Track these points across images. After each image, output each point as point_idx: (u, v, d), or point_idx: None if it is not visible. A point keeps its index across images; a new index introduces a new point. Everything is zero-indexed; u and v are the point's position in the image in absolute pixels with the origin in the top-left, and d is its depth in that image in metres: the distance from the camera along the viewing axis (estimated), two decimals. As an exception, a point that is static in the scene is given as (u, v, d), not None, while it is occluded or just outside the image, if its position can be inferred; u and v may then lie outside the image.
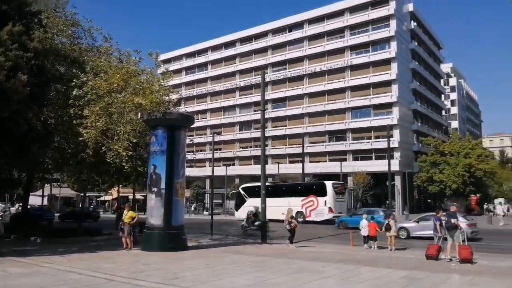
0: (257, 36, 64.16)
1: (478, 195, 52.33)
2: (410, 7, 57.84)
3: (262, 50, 63.18)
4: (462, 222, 16.97)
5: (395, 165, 45.26)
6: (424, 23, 62.75)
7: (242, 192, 39.27)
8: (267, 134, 58.14)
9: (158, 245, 14.41)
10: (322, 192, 33.10)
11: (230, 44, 67.47)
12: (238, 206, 39.11)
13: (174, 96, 21.58)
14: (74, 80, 15.27)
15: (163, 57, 73.67)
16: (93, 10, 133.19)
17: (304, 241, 18.99)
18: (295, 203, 31.68)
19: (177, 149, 15.34)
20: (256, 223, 22.71)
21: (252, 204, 37.34)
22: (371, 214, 23.02)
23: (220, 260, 12.60)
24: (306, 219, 32.85)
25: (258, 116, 31.71)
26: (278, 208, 28.82)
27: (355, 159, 51.85)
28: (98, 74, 15.64)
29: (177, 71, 72.37)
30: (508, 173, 59.85)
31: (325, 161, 53.76)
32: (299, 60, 59.03)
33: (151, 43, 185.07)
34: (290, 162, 55.81)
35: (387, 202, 37.11)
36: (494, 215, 41.85)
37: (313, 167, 52.02)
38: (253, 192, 38.31)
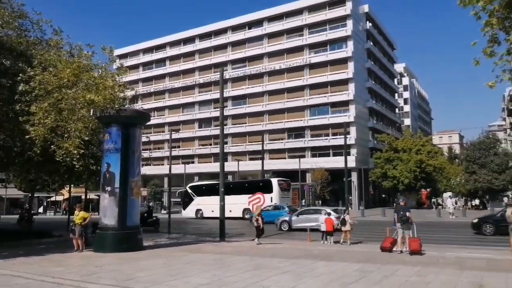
0: (217, 33, 63.73)
1: (428, 189, 55.06)
2: (366, 8, 59.65)
3: (222, 47, 62.84)
4: (333, 215, 18.69)
5: (351, 162, 46.60)
6: (378, 24, 64.94)
7: (190, 191, 39.41)
8: (227, 132, 58.01)
9: (112, 246, 13.95)
10: (268, 189, 33.93)
11: (189, 40, 66.55)
12: (185, 205, 39.16)
13: (129, 93, 20.98)
14: (20, 75, 14.41)
15: (119, 52, 71.61)
16: (45, 2, 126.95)
17: (264, 237, 19.09)
18: (242, 201, 32.07)
19: (132, 147, 14.91)
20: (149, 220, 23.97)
21: (199, 202, 37.42)
22: (277, 209, 26.81)
23: (177, 259, 12.39)
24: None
25: (218, 113, 31.39)
26: (227, 206, 28.99)
27: (314, 155, 52.89)
28: (46, 68, 14.83)
29: (134, 67, 70.52)
30: (456, 168, 63.21)
31: (285, 158, 54.44)
32: (258, 57, 59.27)
33: (107, 38, 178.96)
34: (250, 159, 56.01)
35: (339, 201, 38.12)
36: (442, 208, 44.19)
37: (272, 164, 52.50)
38: (200, 191, 38.45)
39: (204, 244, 16.67)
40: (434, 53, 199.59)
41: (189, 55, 66.12)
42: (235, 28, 61.89)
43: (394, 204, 51.68)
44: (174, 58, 67.98)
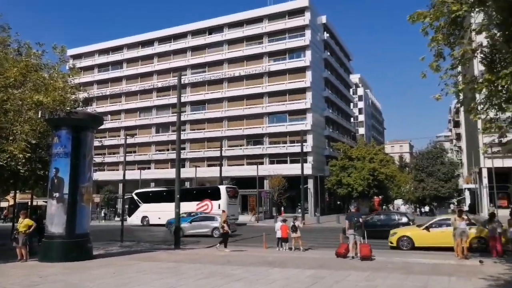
0: (177, 37, 62.98)
1: (380, 196, 57.12)
2: (323, 19, 61.33)
3: (182, 51, 62.16)
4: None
5: (308, 169, 47.43)
6: (335, 35, 66.96)
7: (136, 198, 38.84)
8: (185, 137, 57.29)
9: (59, 255, 13.27)
10: (216, 196, 34.21)
11: (148, 43, 65.26)
12: (131, 212, 38.54)
13: (82, 95, 20.23)
14: (-39, 73, 13.51)
15: (72, 52, 68.97)
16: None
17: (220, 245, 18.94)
18: (190, 208, 32.00)
19: (83, 151, 14.33)
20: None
21: (146, 209, 36.94)
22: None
23: (128, 268, 12.01)
24: None
25: (176, 118, 30.67)
26: (173, 213, 28.92)
27: (272, 162, 53.34)
28: (-9, 67, 14.01)
29: (89, 68, 68.09)
30: (406, 176, 66.16)
31: (243, 165, 54.48)
32: (218, 63, 59.18)
33: (60, 37, 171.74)
34: (208, 165, 55.57)
35: (299, 204, 38.68)
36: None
37: (231, 171, 52.36)
38: (147, 198, 37.93)
39: (158, 252, 16.28)
40: (387, 65, 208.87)
41: (148, 58, 64.81)
42: (195, 33, 61.50)
43: (348, 211, 53.22)
44: (131, 61, 66.31)
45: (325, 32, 61.71)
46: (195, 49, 61.09)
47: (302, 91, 53.52)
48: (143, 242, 21.00)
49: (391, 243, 17.09)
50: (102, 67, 69.01)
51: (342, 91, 68.29)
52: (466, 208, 53.05)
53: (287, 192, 46.47)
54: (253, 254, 15.49)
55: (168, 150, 59.78)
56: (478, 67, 11.20)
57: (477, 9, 7.92)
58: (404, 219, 20.91)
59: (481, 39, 10.45)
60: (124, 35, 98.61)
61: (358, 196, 49.63)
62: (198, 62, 60.33)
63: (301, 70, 53.91)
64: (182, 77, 55.02)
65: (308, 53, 53.87)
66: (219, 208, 33.47)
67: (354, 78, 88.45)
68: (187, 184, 53.50)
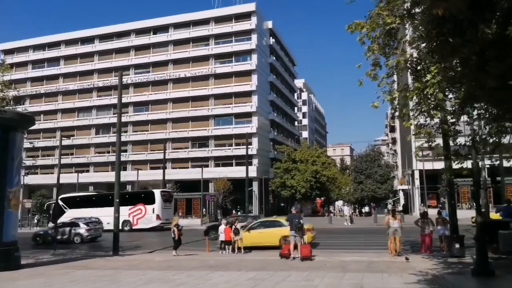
0: (119, 35, 60.78)
1: (322, 198, 58.97)
2: (270, 24, 62.35)
3: (124, 50, 60.09)
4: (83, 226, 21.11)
5: (253, 172, 47.85)
6: (281, 40, 68.31)
7: (61, 203, 36.99)
8: (127, 139, 55.38)
9: (-18, 266, 12.19)
10: (150, 200, 33.80)
11: (88, 40, 62.31)
12: (55, 218, 36.51)
13: (12, 93, 18.85)
14: None
15: (4, 46, 64.27)
16: None
17: (162, 249, 18.50)
18: (122, 212, 31.17)
19: (11, 153, 13.31)
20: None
21: (71, 215, 35.37)
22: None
23: (60, 277, 11.31)
24: (133, 227, 33.27)
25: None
26: (104, 218, 28.04)
27: (217, 165, 53.12)
28: None
29: (22, 64, 63.77)
30: (346, 178, 68.84)
31: (188, 167, 53.71)
32: (163, 64, 57.97)
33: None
34: (151, 168, 54.12)
35: (238, 208, 38.88)
36: (334, 216, 47.62)
37: (175, 174, 51.41)
38: (73, 203, 36.55)
39: (94, 260, 15.52)
40: (330, 71, 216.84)
41: (87, 56, 61.83)
42: (140, 32, 59.76)
43: (290, 212, 54.33)
44: (69, 58, 62.91)
45: (271, 37, 62.74)
46: (139, 48, 59.36)
47: (248, 94, 53.91)
48: (78, 250, 19.92)
49: None
50: (37, 63, 64.81)
51: (287, 96, 69.74)
52: (400, 208, 56.34)
53: (232, 194, 46.50)
54: (196, 258, 15.29)
55: (108, 152, 57.35)
56: (410, 76, 11.91)
57: (408, 22, 8.46)
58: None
59: (413, 50, 11.16)
60: (62, 31, 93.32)
61: (301, 198, 50.85)
62: (142, 62, 58.70)
63: (247, 74, 54.31)
64: (125, 77, 53.21)
65: (254, 57, 54.43)
66: (153, 212, 32.97)
67: (299, 83, 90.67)
68: (129, 188, 51.74)
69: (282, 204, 60.55)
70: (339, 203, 72.34)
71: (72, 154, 58.48)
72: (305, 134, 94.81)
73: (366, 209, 53.82)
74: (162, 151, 44.28)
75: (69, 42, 63.14)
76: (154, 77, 57.76)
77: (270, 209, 55.10)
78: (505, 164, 26.30)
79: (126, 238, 23.54)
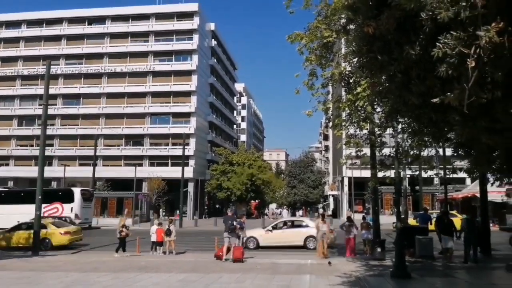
0: (50, 22, 56.86)
1: (257, 200, 59.83)
2: (212, 26, 62.12)
3: (55, 38, 56.30)
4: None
5: (189, 172, 47.20)
6: (223, 43, 68.35)
7: None
8: (54, 133, 51.99)
9: None
10: (69, 199, 32.24)
11: (13, 24, 57.50)
12: None
13: None
14: None
15: None
16: None
17: (89, 250, 17.58)
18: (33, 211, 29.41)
19: None
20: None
21: None
22: None
23: (-32, 281, 10.30)
24: None
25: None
26: (15, 216, 26.18)
27: (152, 164, 51.65)
28: None
29: None
30: (281, 182, 70.55)
31: (120, 166, 51.60)
32: (98, 56, 55.23)
33: None
34: (81, 165, 51.26)
35: (161, 211, 38.19)
36: (268, 218, 48.51)
37: (106, 171, 49.16)
38: None
39: (11, 260, 14.35)
40: (270, 77, 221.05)
41: (12, 41, 56.97)
42: (73, 21, 56.35)
43: (226, 214, 54.44)
44: (-9, 42, 57.61)
45: (213, 39, 62.54)
46: (71, 38, 56.01)
47: (187, 94, 53.18)
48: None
49: None
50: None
51: (226, 98, 69.86)
52: (330, 212, 58.89)
53: (166, 195, 45.51)
54: (125, 259, 14.75)
55: (32, 146, 53.30)
56: (343, 88, 12.61)
57: (343, 37, 8.96)
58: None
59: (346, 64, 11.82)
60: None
61: (236, 200, 51.16)
62: (74, 52, 55.47)
63: (187, 73, 53.57)
64: (54, 66, 50.03)
65: (195, 57, 53.89)
66: (71, 211, 31.29)
67: (239, 87, 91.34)
68: (54, 184, 48.49)
69: (218, 206, 60.49)
70: (273, 206, 73.91)
71: (-11, 146, 53.55)
72: (243, 137, 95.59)
73: (300, 212, 55.56)
74: (93, 147, 42.18)
75: (-9, 24, 57.83)
76: (87, 70, 54.80)
77: (205, 210, 54.75)
78: (424, 174, 28.71)
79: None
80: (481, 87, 3.55)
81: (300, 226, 18.76)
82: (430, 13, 3.20)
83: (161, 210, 47.41)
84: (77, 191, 33.03)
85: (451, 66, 3.29)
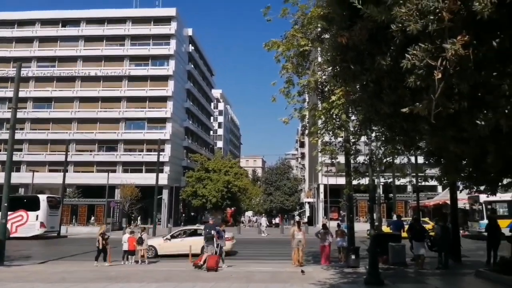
0: (22, 23, 55.31)
1: (233, 208, 59.49)
2: (190, 31, 61.91)
3: (27, 40, 54.77)
4: None
5: (164, 179, 46.51)
6: (200, 49, 68.17)
7: None
8: (24, 137, 50.39)
9: None
10: (34, 206, 31.19)
11: (-17, 24, 55.65)
12: None
13: None
14: None
15: None
16: None
17: (57, 260, 16.98)
18: None
19: None
20: None
21: None
22: None
23: None
24: (11, 235, 29.81)
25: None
26: None
27: (125, 171, 50.67)
28: None
29: None
30: (257, 189, 70.49)
31: (92, 172, 50.39)
32: (71, 59, 54.00)
33: None
34: (50, 170, 49.70)
35: (136, 218, 37.52)
36: (244, 226, 48.33)
37: (77, 178, 47.91)
38: None
39: (-28, 272, 13.65)
40: (247, 84, 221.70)
41: (-19, 42, 55.14)
42: (46, 23, 54.99)
43: (203, 222, 53.84)
44: (-43, 42, 55.47)
45: (190, 45, 62.30)
46: (44, 40, 54.61)
47: (163, 99, 52.62)
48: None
49: None
50: None
51: (203, 104, 69.53)
52: (305, 220, 59.17)
53: (140, 202, 44.69)
54: (95, 269, 14.30)
55: (0, 150, 51.40)
56: (317, 97, 12.75)
57: (318, 46, 9.06)
58: None
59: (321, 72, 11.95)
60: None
61: (212, 207, 50.69)
62: (47, 55, 54.12)
63: (163, 79, 53.08)
64: (25, 69, 48.59)
65: (172, 62, 53.48)
66: (37, 219, 30.27)
67: (216, 93, 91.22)
68: (21, 191, 46.87)
69: (193, 214, 59.82)
70: (249, 213, 73.68)
71: (-48, 150, 51.27)
72: (219, 144, 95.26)
73: (276, 220, 55.61)
74: (64, 153, 41.00)
75: (-41, 24, 55.69)
76: (60, 73, 53.50)
77: (180, 218, 54.03)
78: (397, 182, 29.25)
79: (13, 247, 21.13)
80: (448, 98, 3.63)
81: (199, 234, 18.30)
82: (400, 25, 3.26)
83: (139, 218, 46.58)
84: (43, 198, 31.75)
85: (419, 77, 3.36)
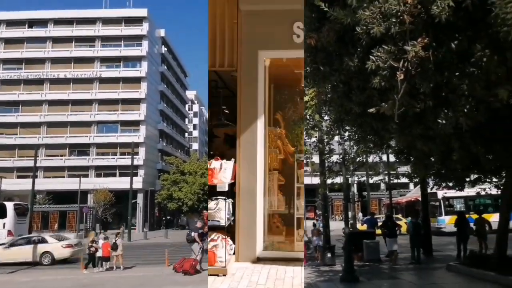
0: (-15, 24, 53.25)
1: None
2: (162, 32, 61.12)
3: (-9, 42, 52.79)
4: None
5: (138, 183, 45.71)
6: (173, 50, 67.47)
7: None
8: (-11, 143, 48.44)
9: None
10: (1, 214, 30.22)
11: None
12: None
13: None
14: None
15: None
16: None
17: (27, 268, 16.38)
18: None
19: None
20: None
21: None
22: None
23: None
24: None
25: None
26: None
27: (98, 175, 49.51)
28: None
29: None
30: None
31: (64, 177, 48.99)
32: (39, 61, 52.33)
33: None
34: (19, 177, 48.01)
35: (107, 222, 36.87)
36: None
37: (47, 183, 46.39)
38: None
39: None
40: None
41: None
42: (11, 24, 53.11)
43: (179, 225, 53.23)
44: None
45: (163, 46, 61.54)
46: (10, 41, 52.71)
47: (136, 102, 51.75)
48: None
49: None
50: None
51: (177, 106, 68.82)
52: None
53: (113, 207, 43.79)
54: (67, 276, 13.91)
55: (-39, 156, 49.32)
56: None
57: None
58: None
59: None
60: None
61: (188, 211, 50.16)
62: (13, 57, 52.23)
63: (136, 80, 52.19)
64: (-11, 72, 46.55)
65: (145, 64, 52.69)
66: (3, 227, 29.29)
67: (190, 94, 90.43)
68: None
69: (169, 217, 59.05)
70: (225, 215, 73.36)
71: None
72: (195, 146, 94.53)
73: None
74: (33, 158, 39.69)
75: None
76: (27, 75, 51.76)
77: (156, 222, 53.28)
78: (370, 180, 29.78)
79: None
80: (414, 97, 3.74)
81: (38, 242, 18.99)
82: (365, 27, 3.34)
83: (124, 224, 45.49)
84: (9, 206, 30.53)
85: (383, 78, 3.45)
